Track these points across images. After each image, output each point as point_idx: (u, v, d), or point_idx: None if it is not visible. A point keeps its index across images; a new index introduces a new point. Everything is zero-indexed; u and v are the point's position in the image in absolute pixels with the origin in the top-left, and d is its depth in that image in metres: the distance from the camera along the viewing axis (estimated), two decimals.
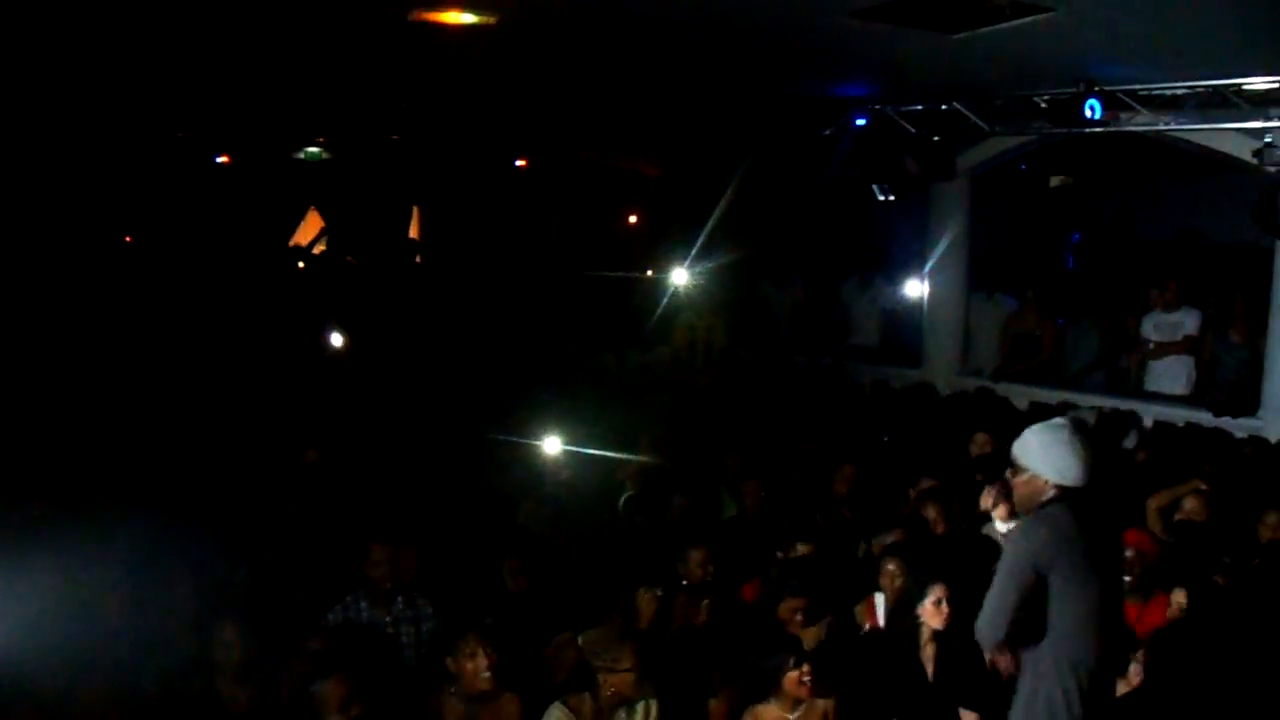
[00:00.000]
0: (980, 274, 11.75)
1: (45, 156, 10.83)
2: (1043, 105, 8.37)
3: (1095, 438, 4.76)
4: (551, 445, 7.91)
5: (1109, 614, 4.30)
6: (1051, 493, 4.24)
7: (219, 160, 11.75)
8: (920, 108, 9.43)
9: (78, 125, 10.04)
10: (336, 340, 10.67)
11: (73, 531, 5.97)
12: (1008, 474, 4.47)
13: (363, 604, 5.80)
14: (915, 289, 12.18)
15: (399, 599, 5.82)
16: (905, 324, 12.47)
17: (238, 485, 7.29)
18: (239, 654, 5.16)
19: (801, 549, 6.24)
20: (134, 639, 5.34)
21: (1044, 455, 4.28)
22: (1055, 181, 16.62)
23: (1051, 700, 4.18)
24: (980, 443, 8.22)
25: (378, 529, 5.95)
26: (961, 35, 6.10)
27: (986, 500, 4.82)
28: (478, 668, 4.70)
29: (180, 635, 5.48)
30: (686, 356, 12.76)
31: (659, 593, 5.63)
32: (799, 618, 5.52)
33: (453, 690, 4.79)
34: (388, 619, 5.76)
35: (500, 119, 10.36)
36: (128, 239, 13.39)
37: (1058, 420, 4.42)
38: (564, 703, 4.68)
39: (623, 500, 7.75)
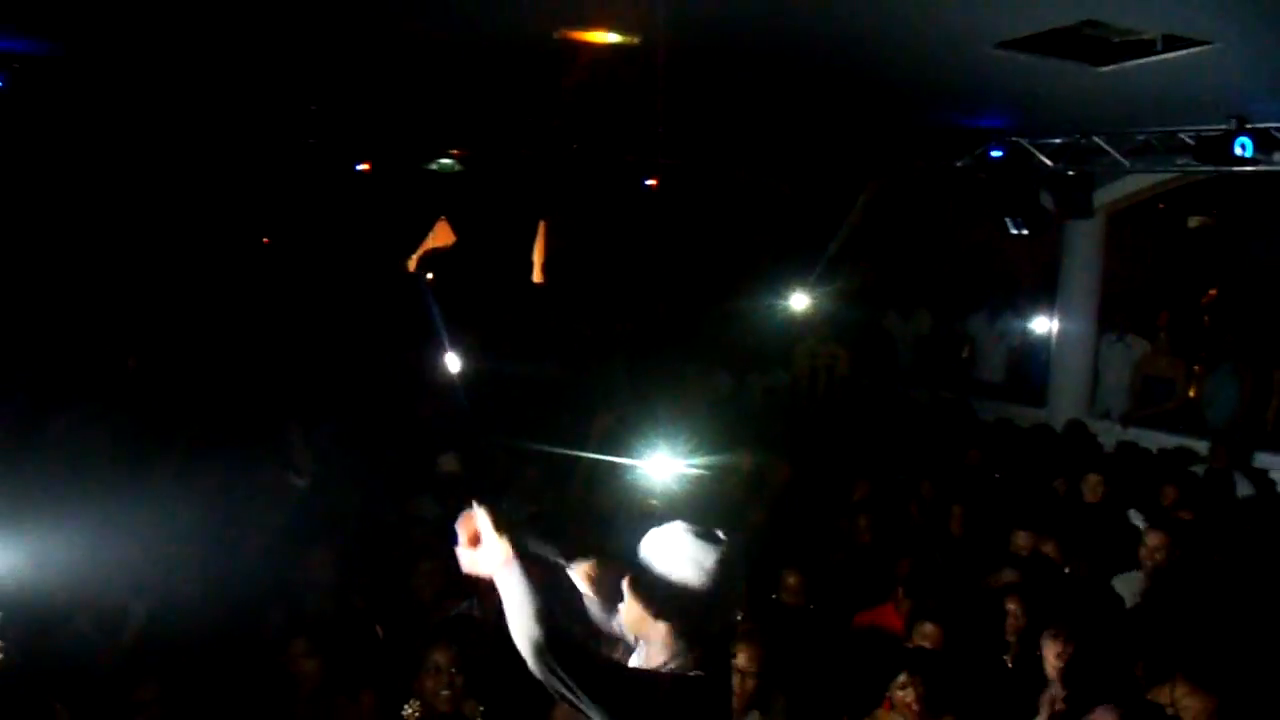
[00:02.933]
0: (1112, 313, 11.44)
1: (195, 161, 11.34)
2: (1189, 142, 8.12)
3: None
4: (660, 466, 7.91)
5: None
6: None
7: (359, 168, 12.08)
8: (1058, 141, 9.24)
9: (226, 132, 10.49)
10: (453, 364, 10.90)
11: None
12: None
13: (476, 613, 5.91)
14: (1044, 326, 11.92)
15: None
16: (1032, 361, 12.21)
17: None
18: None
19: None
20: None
21: None
22: (1194, 222, 16.09)
23: None
24: (1092, 484, 8.06)
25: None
26: (1108, 69, 5.97)
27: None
28: None
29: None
30: (807, 384, 12.67)
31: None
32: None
33: None
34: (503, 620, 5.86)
35: (634, 137, 10.46)
36: (265, 240, 13.96)
37: None
38: None
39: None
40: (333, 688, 4.91)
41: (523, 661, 2.78)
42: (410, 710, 4.73)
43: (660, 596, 2.87)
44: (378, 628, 5.74)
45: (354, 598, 5.99)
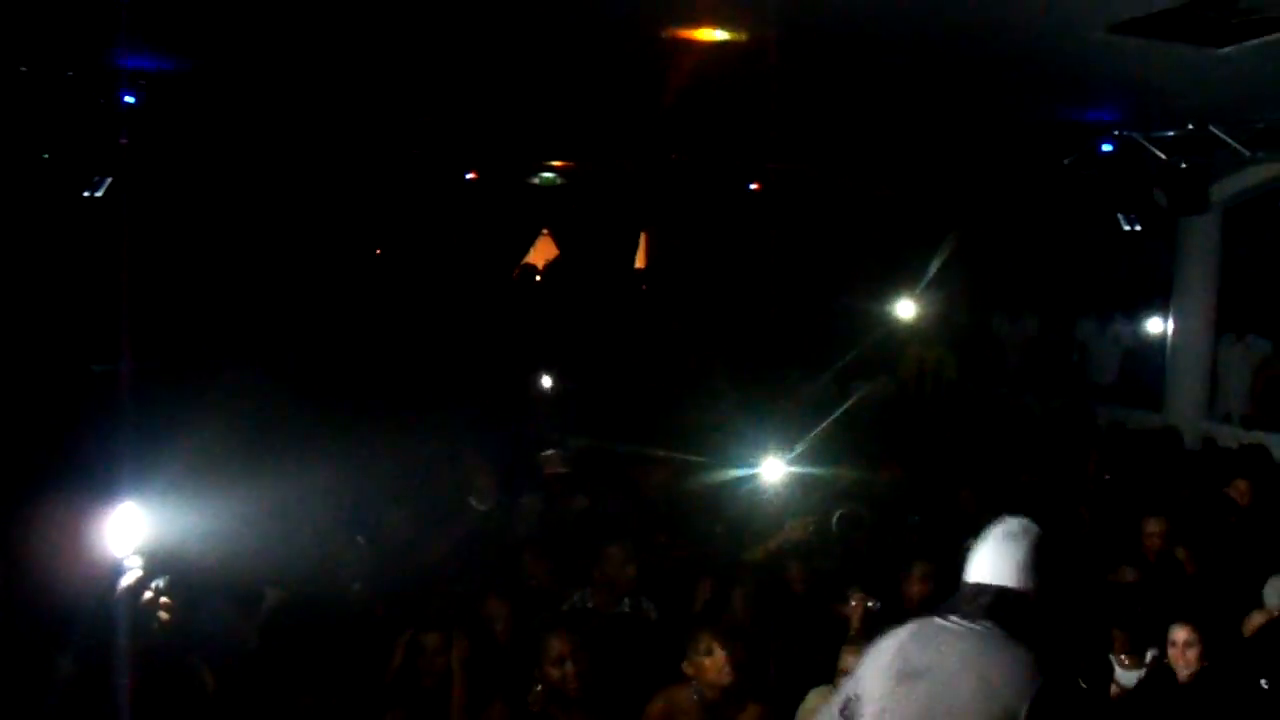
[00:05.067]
0: (1231, 313, 11.10)
1: (316, 171, 11.76)
2: None
3: None
4: (771, 469, 7.95)
5: None
6: None
7: (468, 177, 12.37)
8: (1172, 133, 9.00)
9: (339, 145, 10.86)
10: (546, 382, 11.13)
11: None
12: None
13: (590, 603, 5.99)
14: (1159, 327, 11.63)
15: (625, 599, 5.97)
16: (1147, 363, 11.91)
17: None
18: None
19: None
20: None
21: None
22: None
23: None
24: (1241, 490, 7.82)
25: (610, 531, 6.17)
26: (1228, 50, 5.82)
27: None
28: (716, 663, 4.73)
29: None
30: (914, 388, 12.54)
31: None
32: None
33: (692, 689, 4.84)
34: (614, 613, 5.93)
35: (737, 141, 10.51)
36: (378, 251, 14.41)
37: None
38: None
39: (836, 517, 7.73)
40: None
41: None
42: (533, 697, 4.83)
43: None
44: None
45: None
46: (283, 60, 7.70)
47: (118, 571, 4.54)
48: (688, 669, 4.75)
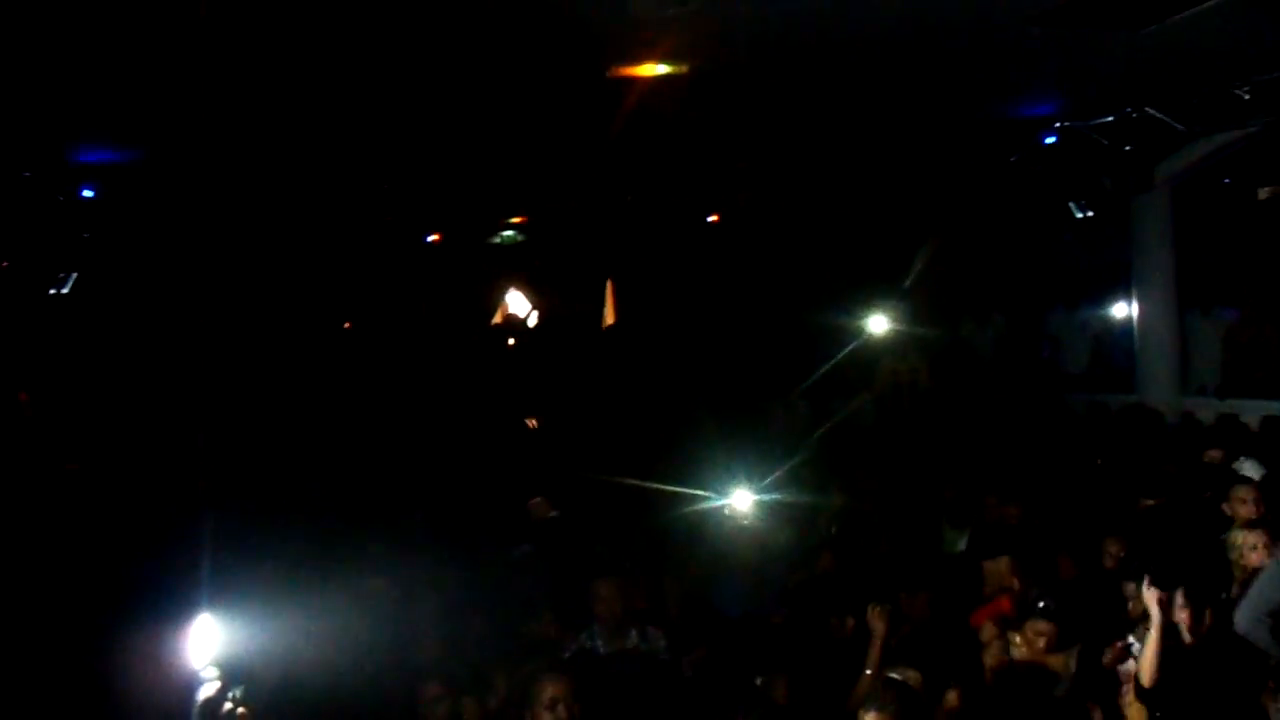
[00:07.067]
0: (1194, 287, 11.25)
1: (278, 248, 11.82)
2: (1246, 98, 8.02)
3: None
4: (741, 500, 7.98)
5: None
6: None
7: (430, 241, 12.43)
8: (1111, 118, 9.19)
9: (300, 219, 10.94)
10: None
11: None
12: None
13: (598, 641, 5.98)
14: (1124, 310, 11.78)
15: (632, 631, 5.97)
16: (1116, 347, 12.05)
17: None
18: None
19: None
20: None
21: None
22: (1264, 193, 15.78)
23: None
24: (1216, 460, 7.91)
25: (601, 567, 6.19)
26: (1151, 29, 5.96)
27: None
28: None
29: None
30: (892, 401, 12.63)
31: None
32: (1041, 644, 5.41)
33: None
34: (625, 649, 5.92)
35: (690, 174, 10.65)
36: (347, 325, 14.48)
37: None
38: None
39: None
40: None
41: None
42: None
43: None
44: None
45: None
46: (238, 139, 7.77)
47: (197, 683, 4.68)
48: None
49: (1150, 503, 6.97)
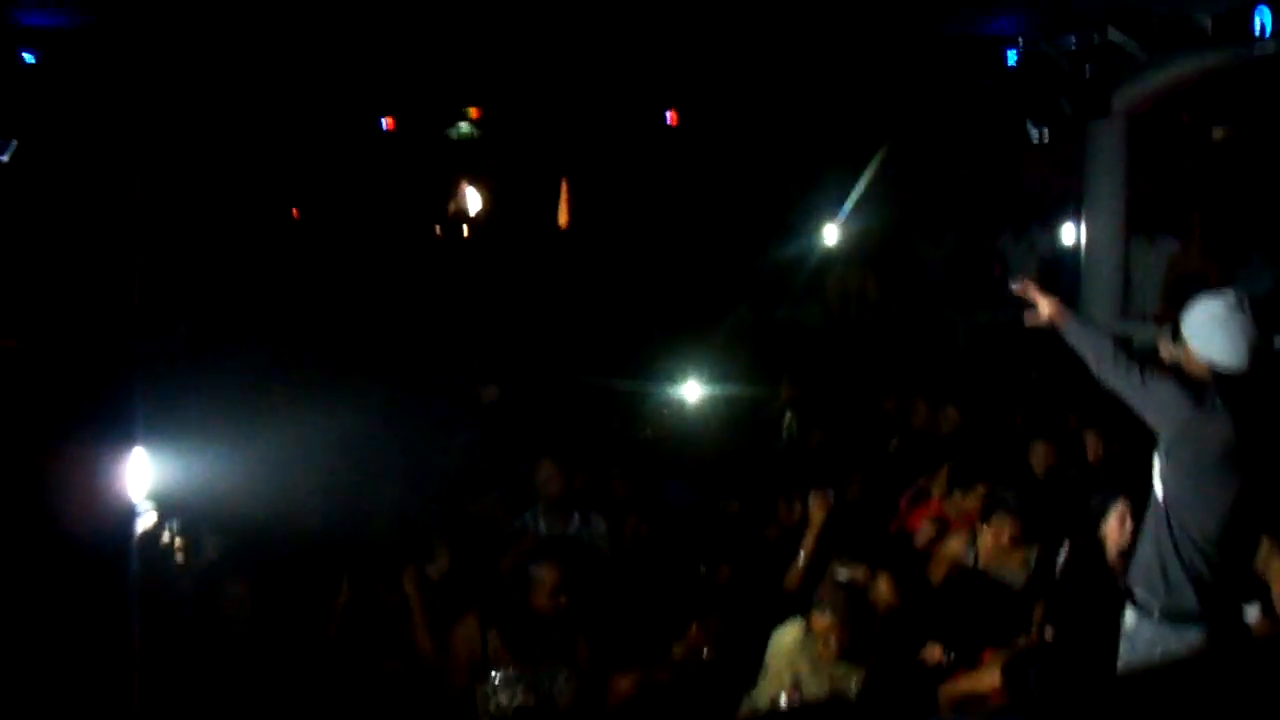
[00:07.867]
0: (1141, 216, 11.40)
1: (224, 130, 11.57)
2: (1207, 29, 8.06)
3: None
4: (691, 391, 8.24)
5: (1239, 523, 4.05)
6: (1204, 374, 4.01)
7: (384, 128, 12.21)
8: (1074, 38, 9.20)
9: (248, 100, 10.70)
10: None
11: None
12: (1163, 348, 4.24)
13: (541, 520, 6.07)
14: (1072, 235, 11.93)
15: (575, 514, 6.07)
16: (1063, 270, 12.21)
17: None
18: None
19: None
20: None
21: (1199, 330, 4.02)
22: (1219, 133, 15.91)
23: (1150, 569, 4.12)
24: None
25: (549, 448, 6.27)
26: None
27: None
28: None
29: None
30: (839, 311, 12.76)
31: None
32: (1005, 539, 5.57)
33: None
34: (566, 534, 6.02)
35: (645, 73, 10.53)
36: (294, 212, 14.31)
37: (1226, 293, 4.08)
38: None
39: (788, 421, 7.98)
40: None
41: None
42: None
43: None
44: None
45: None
46: (182, 13, 7.55)
47: (134, 515, 4.69)
48: None
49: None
